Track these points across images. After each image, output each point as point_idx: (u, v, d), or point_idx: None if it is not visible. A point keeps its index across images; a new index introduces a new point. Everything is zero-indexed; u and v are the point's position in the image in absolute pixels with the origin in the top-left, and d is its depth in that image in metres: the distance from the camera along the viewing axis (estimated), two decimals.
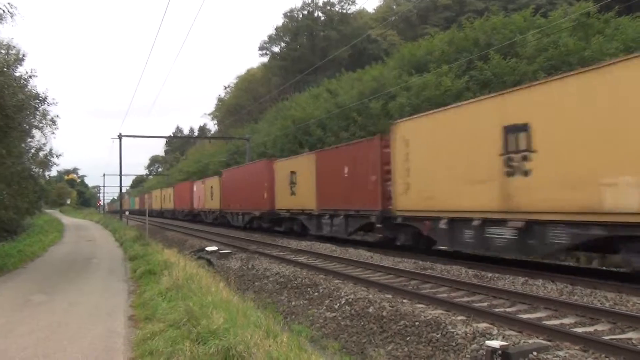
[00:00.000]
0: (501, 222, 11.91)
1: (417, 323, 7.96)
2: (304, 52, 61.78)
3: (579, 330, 7.12)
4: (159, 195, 64.64)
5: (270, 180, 27.10)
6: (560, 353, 6.18)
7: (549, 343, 6.51)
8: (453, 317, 8.02)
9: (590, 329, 7.24)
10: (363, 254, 16.08)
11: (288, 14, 65.91)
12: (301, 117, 36.61)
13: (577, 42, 21.45)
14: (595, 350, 6.19)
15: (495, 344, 6.13)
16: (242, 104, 69.30)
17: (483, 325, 7.50)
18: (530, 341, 6.68)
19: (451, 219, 13.57)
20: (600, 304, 8.49)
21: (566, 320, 7.74)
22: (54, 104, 18.72)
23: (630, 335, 6.91)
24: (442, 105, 17.39)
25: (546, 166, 10.75)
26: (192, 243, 24.01)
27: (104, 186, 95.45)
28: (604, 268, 13.65)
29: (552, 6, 32.89)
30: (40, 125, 20.32)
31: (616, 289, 9.45)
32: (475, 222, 12.62)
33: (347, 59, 54.35)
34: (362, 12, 65.89)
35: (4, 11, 14.72)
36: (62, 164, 47.59)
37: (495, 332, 7.13)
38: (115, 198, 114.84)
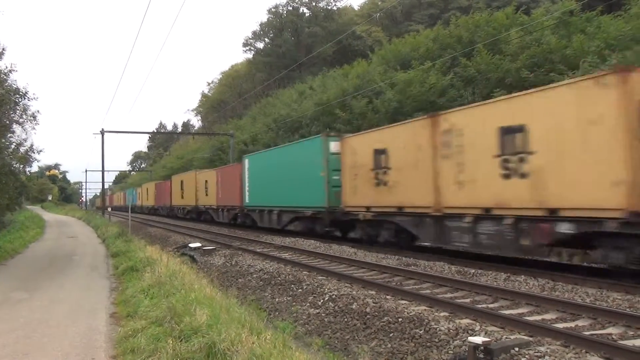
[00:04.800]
0: None
1: (400, 319, 7.98)
2: (288, 48, 61.52)
3: (560, 325, 7.18)
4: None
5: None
6: (542, 348, 6.23)
7: (530, 339, 6.56)
8: (436, 314, 8.06)
9: (572, 324, 7.31)
10: (347, 250, 16.08)
11: (272, 9, 65.63)
12: (283, 115, 36.62)
13: (559, 40, 21.64)
14: (576, 346, 6.25)
15: (478, 339, 6.17)
16: (226, 100, 68.95)
17: (466, 321, 7.55)
18: (512, 337, 6.74)
19: None
20: (581, 300, 8.58)
21: (548, 316, 7.81)
22: (34, 99, 18.62)
23: (610, 330, 7.00)
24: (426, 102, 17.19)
25: None
26: (176, 239, 23.85)
27: (86, 182, 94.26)
28: (585, 264, 13.78)
29: (535, 4, 33.10)
30: (21, 120, 20.16)
31: (597, 285, 9.57)
32: None
33: (331, 56, 54.33)
34: (347, 9, 65.87)
35: None
36: (43, 159, 47.07)
37: (477, 328, 7.17)
38: (97, 194, 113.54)
